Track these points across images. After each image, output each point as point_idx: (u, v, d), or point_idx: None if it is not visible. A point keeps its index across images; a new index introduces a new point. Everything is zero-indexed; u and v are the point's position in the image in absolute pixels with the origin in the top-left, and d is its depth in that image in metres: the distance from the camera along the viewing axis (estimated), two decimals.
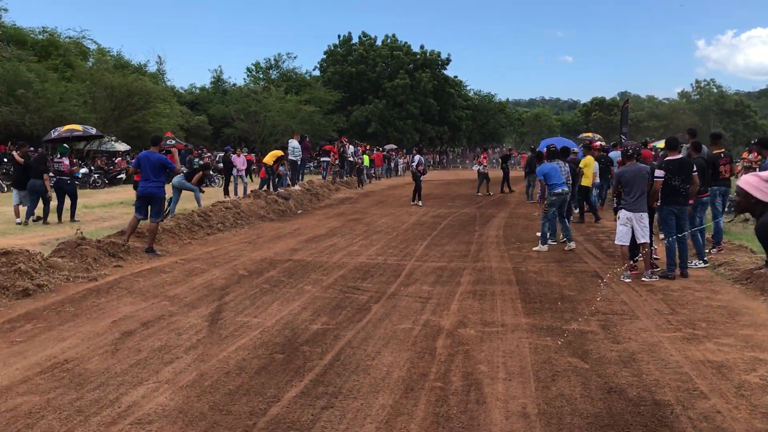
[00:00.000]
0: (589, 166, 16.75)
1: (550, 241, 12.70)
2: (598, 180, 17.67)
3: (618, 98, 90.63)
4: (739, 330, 6.96)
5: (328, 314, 7.72)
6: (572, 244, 12.65)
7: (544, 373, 5.70)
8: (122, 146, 41.68)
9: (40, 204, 15.85)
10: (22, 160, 16.04)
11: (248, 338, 6.72)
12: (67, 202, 16.27)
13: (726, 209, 13.12)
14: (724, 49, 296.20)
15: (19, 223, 15.36)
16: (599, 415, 4.80)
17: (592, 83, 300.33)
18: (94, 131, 27.52)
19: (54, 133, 24.73)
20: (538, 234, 13.14)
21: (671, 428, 4.55)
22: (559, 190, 12.59)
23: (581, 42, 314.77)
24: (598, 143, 24.87)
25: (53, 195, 16.25)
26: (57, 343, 6.52)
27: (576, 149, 19.51)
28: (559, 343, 6.56)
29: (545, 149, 14.66)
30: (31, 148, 20.26)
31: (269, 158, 22.12)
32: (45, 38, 43.25)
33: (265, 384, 5.43)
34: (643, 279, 9.54)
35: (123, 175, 32.16)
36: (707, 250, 11.15)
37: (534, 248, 12.56)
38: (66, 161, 16.90)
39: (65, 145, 20.19)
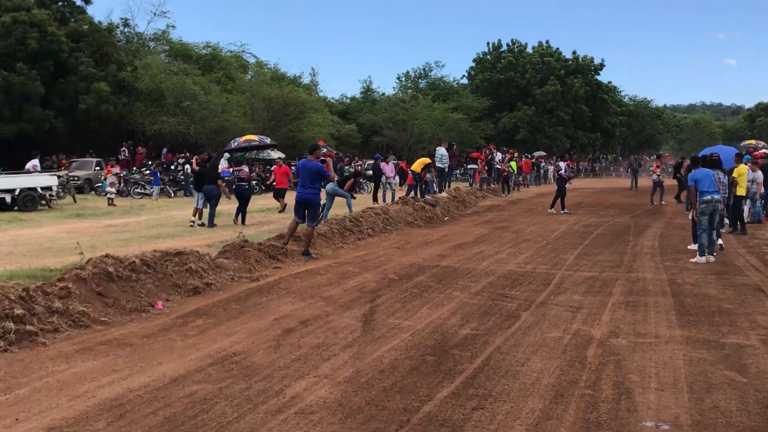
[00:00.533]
0: (743, 175, 15.96)
1: (708, 253, 12.22)
2: (763, 190, 16.78)
3: None
4: None
5: (477, 320, 7.86)
6: (711, 258, 12.13)
7: (699, 385, 5.59)
8: (278, 154, 43.59)
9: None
10: (198, 167, 17.44)
11: (400, 339, 6.98)
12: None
13: None
14: None
15: (192, 224, 16.93)
16: (756, 428, 4.68)
17: (757, 87, 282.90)
18: (268, 141, 29.04)
19: (234, 143, 26.38)
20: (693, 246, 12.69)
21: None
22: (708, 197, 12.17)
23: (745, 44, 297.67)
24: (763, 151, 23.51)
25: (232, 197, 17.96)
26: (226, 338, 7.04)
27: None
28: (716, 356, 6.38)
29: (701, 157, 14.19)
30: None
31: (417, 165, 22.53)
32: (208, 53, 45.84)
33: (418, 383, 5.65)
34: None
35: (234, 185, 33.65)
36: None
37: (691, 260, 12.13)
38: (246, 168, 18.58)
39: (243, 154, 21.92)
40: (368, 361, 6.23)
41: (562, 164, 23.68)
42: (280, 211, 19.36)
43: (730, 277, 10.56)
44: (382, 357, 6.38)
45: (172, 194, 28.85)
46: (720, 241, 12.47)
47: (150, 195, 27.44)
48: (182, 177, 30.26)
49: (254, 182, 32.49)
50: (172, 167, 31.69)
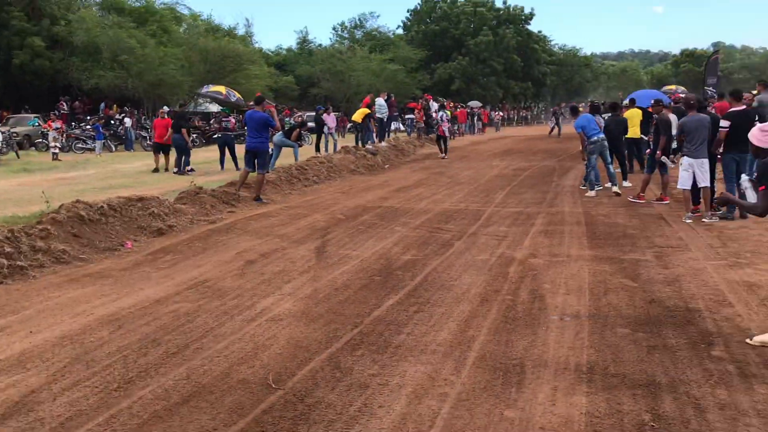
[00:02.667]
0: (633, 117, 16.55)
1: (597, 187, 13.90)
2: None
3: (711, 49, 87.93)
4: None
5: (417, 248, 8.96)
6: (616, 188, 13.61)
7: (598, 289, 6.81)
8: (215, 107, 43.84)
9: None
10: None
11: (350, 265, 8.03)
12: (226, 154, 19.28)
13: None
14: None
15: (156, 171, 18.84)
16: (638, 317, 5.90)
17: (684, 34, 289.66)
18: (234, 98, 29.69)
19: (205, 89, 27.77)
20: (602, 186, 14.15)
21: (695, 325, 5.61)
22: (595, 138, 13.75)
23: None
24: (680, 95, 25.11)
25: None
26: (195, 269, 7.98)
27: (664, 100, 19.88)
28: (615, 268, 7.62)
29: (591, 105, 16.20)
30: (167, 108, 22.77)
31: (358, 116, 23.44)
32: (141, 5, 45.32)
33: (368, 296, 6.72)
34: (703, 220, 10.38)
35: (219, 135, 34.08)
36: None
37: (586, 194, 13.52)
38: (233, 119, 19.94)
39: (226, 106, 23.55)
40: (324, 282, 7.28)
41: (441, 114, 24.96)
42: (154, 170, 19.30)
43: (638, 209, 11.88)
44: (336, 278, 7.43)
45: (114, 149, 29.09)
46: (615, 188, 13.76)
47: (92, 150, 27.68)
48: (122, 131, 30.54)
49: (194, 135, 32.96)
50: (112, 122, 31.82)
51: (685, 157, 10.60)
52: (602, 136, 13.81)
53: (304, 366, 4.91)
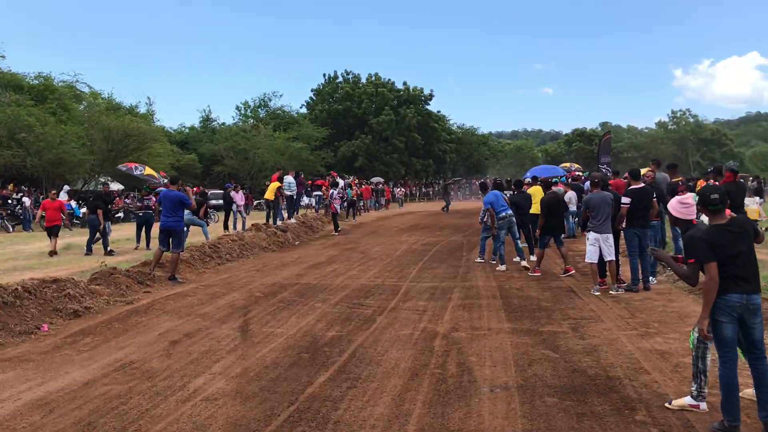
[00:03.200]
0: (535, 194, 16.90)
1: (479, 259, 15.39)
2: (574, 208, 18.99)
3: (599, 129, 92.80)
4: (685, 327, 8.35)
5: (340, 324, 9.07)
6: (524, 262, 14.09)
7: (522, 360, 7.09)
8: (117, 186, 43.03)
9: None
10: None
11: (277, 343, 8.06)
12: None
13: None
14: (701, 78, 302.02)
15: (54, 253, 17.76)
16: (564, 386, 6.18)
17: (573, 114, 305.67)
18: (164, 181, 29.54)
19: (136, 171, 28.31)
20: (516, 259, 14.66)
21: (618, 392, 5.94)
22: (503, 214, 14.34)
23: (561, 74, 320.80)
24: (576, 173, 26.45)
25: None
26: (118, 351, 7.84)
27: (559, 177, 20.93)
28: (535, 340, 7.95)
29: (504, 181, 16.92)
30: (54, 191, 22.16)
31: (270, 193, 23.55)
32: (40, 83, 44.46)
33: (299, 374, 6.77)
34: (610, 292, 10.95)
35: (121, 214, 33.47)
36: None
37: (497, 268, 14.03)
38: (154, 198, 19.44)
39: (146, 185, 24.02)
40: (253, 360, 7.28)
41: (331, 189, 26.41)
42: (51, 253, 17.74)
43: (549, 282, 12.41)
44: (265, 356, 7.45)
45: (11, 229, 28.07)
46: (523, 263, 14.19)
47: None
48: (20, 211, 29.57)
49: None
50: (9, 201, 30.76)
51: (591, 232, 11.20)
52: (510, 212, 14.39)
53: None
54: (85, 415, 5.59)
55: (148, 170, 28.89)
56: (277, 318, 9.56)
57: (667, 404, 5.52)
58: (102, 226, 18.11)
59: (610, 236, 11.12)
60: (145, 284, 12.06)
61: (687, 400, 5.46)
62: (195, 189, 30.40)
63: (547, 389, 6.11)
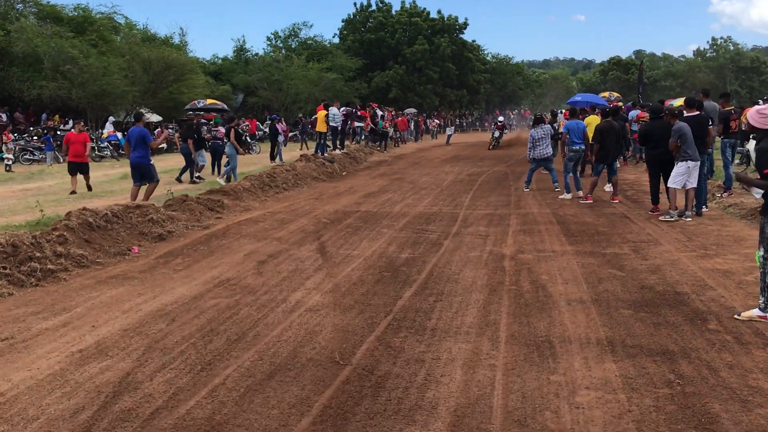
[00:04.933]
0: (591, 123, 17.71)
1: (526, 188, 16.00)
2: None
3: (633, 57, 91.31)
4: (742, 250, 8.80)
5: (410, 247, 9.64)
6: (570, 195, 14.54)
7: (592, 278, 7.61)
8: (156, 117, 43.72)
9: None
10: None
11: (357, 263, 8.65)
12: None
13: (736, 160, 14.88)
14: (738, 3, 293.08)
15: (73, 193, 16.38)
16: (636, 300, 6.71)
17: (606, 42, 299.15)
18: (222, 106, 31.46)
19: (199, 104, 31.42)
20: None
21: (688, 305, 6.45)
22: (576, 147, 14.77)
23: (593, 0, 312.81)
24: (617, 102, 26.50)
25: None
26: (211, 270, 8.48)
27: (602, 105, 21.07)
28: (600, 261, 8.46)
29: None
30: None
31: (322, 124, 24.07)
32: (79, 14, 44.80)
33: (386, 289, 7.36)
34: (665, 218, 11.32)
35: (164, 145, 34.13)
36: (720, 195, 12.95)
37: (560, 197, 14.44)
38: (222, 129, 20.67)
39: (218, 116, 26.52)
40: (340, 278, 7.89)
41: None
42: (71, 192, 16.24)
43: (602, 209, 12.84)
44: (350, 275, 8.04)
45: (62, 160, 28.83)
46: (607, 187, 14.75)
47: (40, 161, 27.45)
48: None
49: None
50: (58, 132, 31.53)
51: (688, 161, 11.03)
52: (583, 147, 14.79)
53: (359, 347, 5.53)
54: (204, 323, 6.23)
55: (210, 100, 30.40)
56: (349, 242, 10.14)
57: (736, 316, 6.02)
58: (193, 155, 18.67)
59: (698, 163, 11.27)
60: (215, 210, 12.70)
61: (755, 312, 5.95)
62: (163, 130, 30.83)
63: (621, 303, 6.63)
